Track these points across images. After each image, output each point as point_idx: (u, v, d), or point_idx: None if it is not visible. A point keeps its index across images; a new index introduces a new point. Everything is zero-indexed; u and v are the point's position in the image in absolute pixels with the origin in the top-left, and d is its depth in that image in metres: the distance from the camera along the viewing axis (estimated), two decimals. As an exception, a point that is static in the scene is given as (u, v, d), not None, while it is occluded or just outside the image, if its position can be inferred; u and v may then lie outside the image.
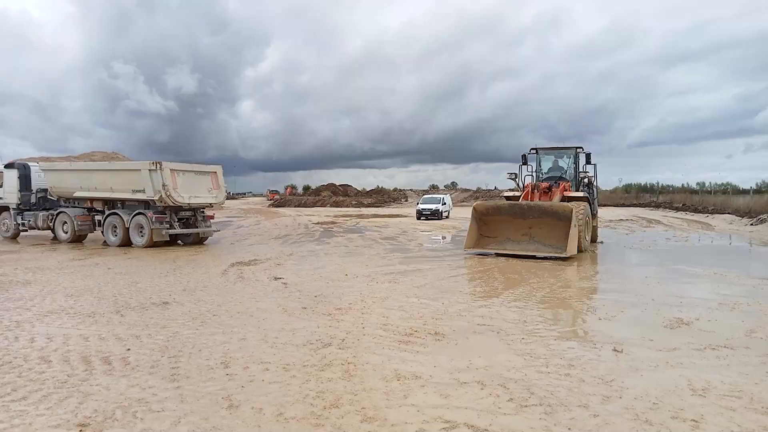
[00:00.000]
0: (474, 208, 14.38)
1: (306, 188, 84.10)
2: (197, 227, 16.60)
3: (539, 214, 13.01)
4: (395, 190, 74.02)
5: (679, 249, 15.41)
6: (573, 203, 13.40)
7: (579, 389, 4.14)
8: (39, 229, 18.10)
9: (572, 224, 12.25)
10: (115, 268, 11.08)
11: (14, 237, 18.83)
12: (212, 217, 17.51)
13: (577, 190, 15.10)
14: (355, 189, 72.24)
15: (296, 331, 5.92)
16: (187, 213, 16.28)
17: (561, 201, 13.81)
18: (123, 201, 16.23)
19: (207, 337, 5.67)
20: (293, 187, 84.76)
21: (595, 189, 16.57)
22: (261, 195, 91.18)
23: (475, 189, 72.76)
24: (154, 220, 15.05)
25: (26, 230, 18.66)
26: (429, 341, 5.53)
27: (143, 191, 15.15)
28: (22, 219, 18.30)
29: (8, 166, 18.93)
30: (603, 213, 30.00)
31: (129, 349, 5.17)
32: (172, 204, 15.15)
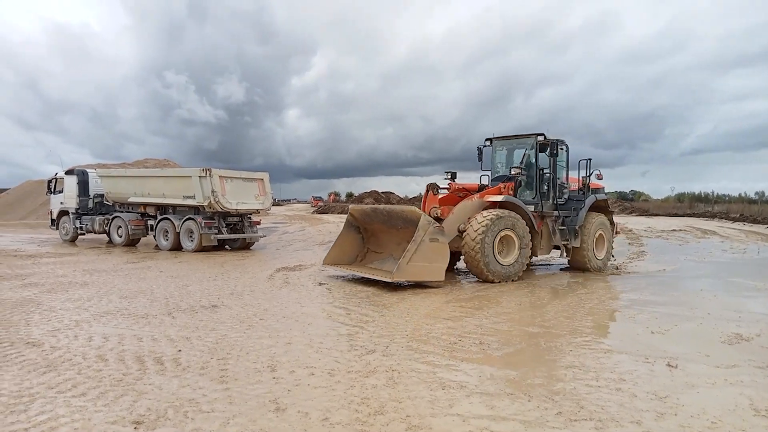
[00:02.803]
0: (350, 212, 11.28)
1: (349, 195, 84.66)
2: (244, 232, 16.99)
3: (403, 223, 9.98)
4: (438, 197, 73.41)
5: (736, 261, 14.71)
6: (482, 214, 10.14)
7: (631, 405, 4.00)
8: (95, 232, 18.92)
9: (416, 236, 9.02)
10: (167, 272, 11.44)
11: (73, 240, 19.74)
12: (259, 223, 17.88)
13: (515, 191, 11.16)
14: (398, 196, 72.07)
15: (341, 337, 5.97)
16: (235, 219, 16.70)
17: (480, 205, 10.62)
18: (174, 206, 16.81)
19: (254, 340, 5.78)
20: (336, 194, 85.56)
21: (589, 192, 12.28)
22: (305, 202, 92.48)
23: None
24: (203, 225, 15.51)
25: (84, 234, 19.54)
26: (474, 351, 5.47)
27: (193, 197, 15.63)
28: (80, 223, 19.19)
29: (68, 172, 19.93)
30: (654, 223, 29.06)
31: (180, 351, 5.32)
32: (220, 210, 15.58)
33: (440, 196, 11.19)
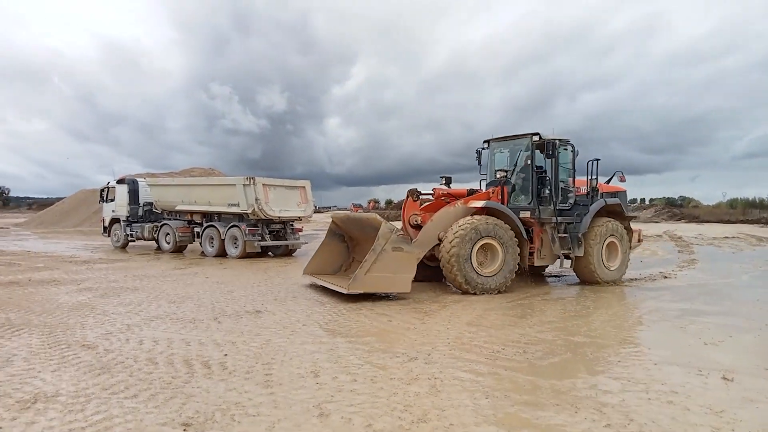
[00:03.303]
0: (332, 220, 11.01)
1: (388, 202, 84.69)
2: (287, 239, 17.27)
3: (373, 231, 9.22)
4: (478, 204, 72.43)
5: (796, 270, 13.98)
6: (459, 222, 9.52)
7: (684, 418, 3.85)
8: (145, 239, 19.61)
9: (376, 245, 8.66)
10: (212, 278, 11.73)
11: (123, 247, 20.50)
12: (301, 230, 18.14)
13: (503, 196, 10.33)
14: (438, 203, 71.54)
15: (383, 344, 5.97)
16: (278, 226, 17.01)
17: (464, 212, 9.97)
18: (219, 214, 17.25)
19: (297, 346, 5.85)
20: (376, 201, 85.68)
21: (597, 196, 11.04)
22: (345, 209, 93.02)
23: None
24: (247, 232, 15.87)
25: (134, 240, 20.28)
26: (518, 360, 5.38)
27: (238, 205, 16.02)
28: (131, 230, 19.93)
29: (120, 181, 20.73)
30: (705, 230, 28.01)
31: (226, 355, 5.44)
32: (263, 217, 15.90)
33: (427, 203, 10.75)
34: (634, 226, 12.22)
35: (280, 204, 16.29)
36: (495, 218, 9.81)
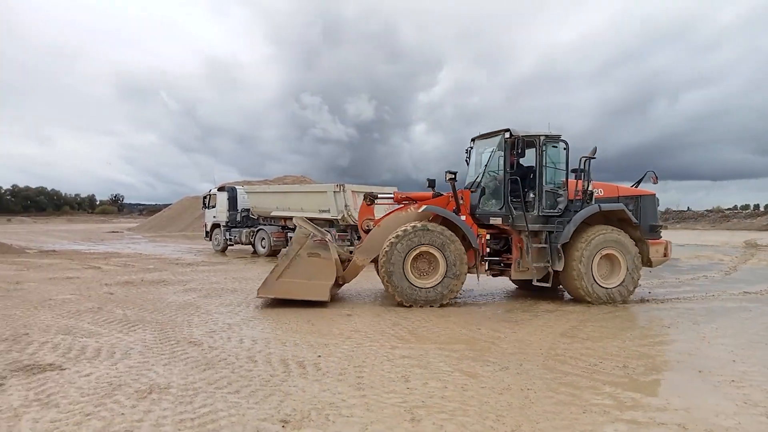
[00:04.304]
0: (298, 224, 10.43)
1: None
2: (374, 245, 17.53)
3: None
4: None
5: None
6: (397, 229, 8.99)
7: (813, 448, 3.48)
8: (242, 243, 20.70)
9: (289, 250, 8.79)
10: (304, 281, 12.13)
11: (223, 250, 21.76)
12: (388, 236, 18.33)
13: (456, 200, 9.39)
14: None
15: (473, 352, 5.90)
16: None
17: (416, 217, 9.39)
18: (311, 220, 17.85)
19: (387, 350, 5.92)
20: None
21: (591, 200, 9.45)
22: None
23: (663, 210, 65.62)
24: (337, 237, 16.28)
25: (232, 245, 21.47)
26: (618, 374, 5.12)
27: (328, 211, 16.52)
28: (230, 235, 21.12)
29: (220, 189, 22.09)
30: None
31: (320, 356, 5.62)
32: (353, 223, 16.26)
33: (395, 208, 10.06)
34: (664, 236, 10.36)
35: (368, 210, 16.58)
36: (439, 225, 9.05)
